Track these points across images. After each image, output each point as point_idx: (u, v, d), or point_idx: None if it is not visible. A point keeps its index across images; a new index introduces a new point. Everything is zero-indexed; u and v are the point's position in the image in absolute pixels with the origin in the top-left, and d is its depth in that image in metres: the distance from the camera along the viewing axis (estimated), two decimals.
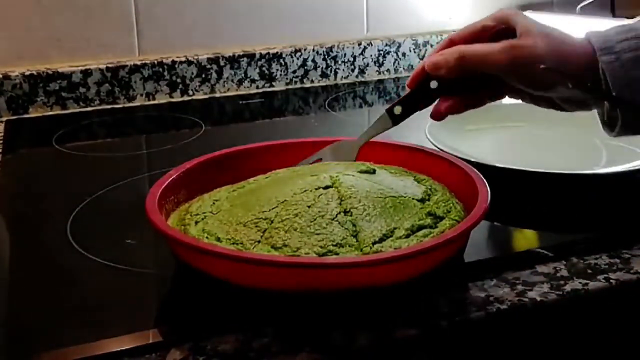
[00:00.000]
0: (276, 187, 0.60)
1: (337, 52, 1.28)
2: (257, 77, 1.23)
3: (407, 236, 0.55)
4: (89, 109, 1.13)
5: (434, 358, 0.53)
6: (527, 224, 0.69)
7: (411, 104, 0.67)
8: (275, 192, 0.59)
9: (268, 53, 1.23)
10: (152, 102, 1.17)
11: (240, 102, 1.18)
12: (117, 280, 0.60)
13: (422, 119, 0.72)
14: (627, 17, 1.14)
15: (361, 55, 1.30)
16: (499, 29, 0.64)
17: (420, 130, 0.82)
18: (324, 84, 1.28)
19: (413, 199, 0.60)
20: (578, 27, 0.68)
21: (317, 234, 0.54)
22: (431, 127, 0.84)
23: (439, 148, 0.75)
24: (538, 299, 0.55)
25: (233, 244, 0.55)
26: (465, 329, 0.53)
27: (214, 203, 0.62)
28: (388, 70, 1.33)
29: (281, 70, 1.24)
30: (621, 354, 0.62)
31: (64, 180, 0.86)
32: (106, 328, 0.52)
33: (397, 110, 0.67)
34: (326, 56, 1.27)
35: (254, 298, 0.52)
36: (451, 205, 0.60)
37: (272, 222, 0.55)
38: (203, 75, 1.19)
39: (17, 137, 1.01)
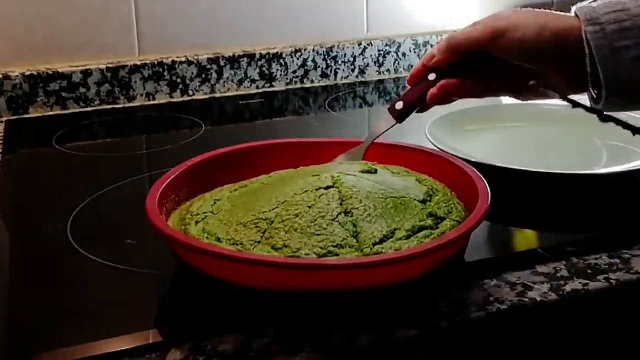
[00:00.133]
0: (277, 187, 0.60)
1: (337, 52, 1.28)
2: (257, 77, 1.23)
3: (408, 237, 0.55)
4: (89, 109, 1.13)
5: (434, 358, 0.52)
6: (527, 224, 0.69)
7: (412, 99, 0.68)
8: (276, 192, 0.59)
9: (268, 53, 1.23)
10: (152, 102, 1.17)
11: (240, 102, 1.18)
12: (117, 280, 0.60)
13: (422, 119, 0.72)
14: None
15: (361, 55, 1.30)
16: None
17: (421, 130, 0.82)
18: (324, 84, 1.28)
19: (414, 199, 0.60)
20: None
21: (317, 235, 0.54)
22: (431, 127, 0.84)
23: (439, 148, 0.75)
24: (538, 299, 0.55)
25: (233, 244, 0.55)
26: (465, 329, 0.53)
27: (214, 202, 0.62)
28: (388, 70, 1.33)
29: (281, 70, 1.24)
30: (621, 354, 0.62)
31: (64, 180, 0.86)
32: (106, 328, 0.52)
33: (399, 106, 0.68)
34: (326, 56, 1.27)
35: (254, 298, 0.52)
36: (452, 205, 0.60)
37: (272, 222, 0.55)
38: (203, 75, 1.19)
39: (17, 137, 1.01)
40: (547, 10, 0.63)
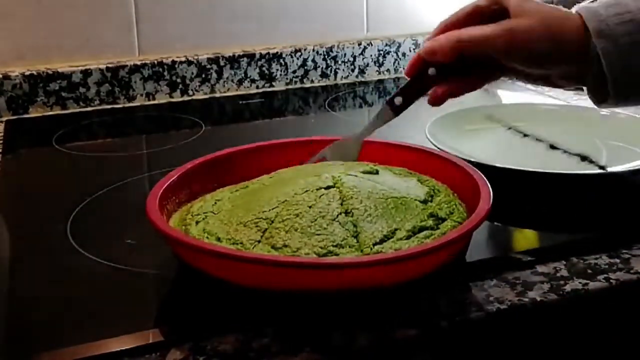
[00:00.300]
0: (278, 187, 0.60)
1: (337, 52, 1.28)
2: (257, 77, 1.23)
3: (408, 237, 0.55)
4: (89, 109, 1.13)
5: (434, 358, 0.52)
6: (527, 224, 0.69)
7: (411, 93, 0.67)
8: (277, 192, 0.59)
9: (268, 53, 1.23)
10: (152, 102, 1.17)
11: (240, 102, 1.18)
12: (117, 280, 0.60)
13: (422, 119, 0.72)
14: None
15: (361, 55, 1.30)
16: (491, 9, 0.64)
17: (420, 130, 0.82)
18: (324, 84, 1.28)
19: (415, 200, 0.59)
20: None
21: (318, 235, 0.54)
22: (431, 127, 0.84)
23: (439, 148, 0.75)
24: (538, 299, 0.55)
25: (233, 244, 0.55)
26: (465, 329, 0.53)
27: (215, 203, 0.62)
28: (388, 70, 1.33)
29: (281, 70, 1.24)
30: (621, 354, 0.62)
31: (64, 180, 0.86)
32: (106, 328, 0.52)
33: (398, 100, 0.67)
34: (326, 56, 1.27)
35: (254, 298, 0.52)
36: (454, 206, 0.60)
37: (272, 222, 0.55)
38: (203, 75, 1.19)
39: (17, 137, 1.00)
40: (549, 7, 0.63)
